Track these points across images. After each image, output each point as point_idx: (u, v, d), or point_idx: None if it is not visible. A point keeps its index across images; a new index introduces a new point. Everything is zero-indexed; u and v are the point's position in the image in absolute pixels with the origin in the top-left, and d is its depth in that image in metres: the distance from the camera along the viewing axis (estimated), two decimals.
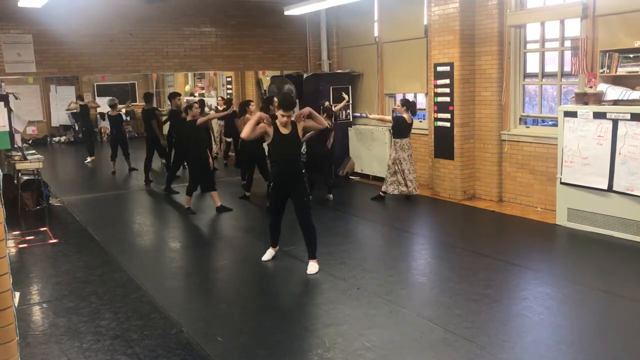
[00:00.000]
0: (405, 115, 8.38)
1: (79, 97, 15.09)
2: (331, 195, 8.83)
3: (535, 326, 4.41)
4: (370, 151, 10.54)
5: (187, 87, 19.09)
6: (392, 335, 4.32)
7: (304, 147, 8.65)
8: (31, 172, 9.09)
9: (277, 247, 6.20)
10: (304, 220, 5.75)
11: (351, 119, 11.32)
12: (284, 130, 5.66)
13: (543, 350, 4.01)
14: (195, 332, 4.45)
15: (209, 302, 5.21)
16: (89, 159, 14.25)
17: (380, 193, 8.78)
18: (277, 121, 5.67)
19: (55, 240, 7.13)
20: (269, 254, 6.14)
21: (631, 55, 6.51)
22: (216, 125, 13.82)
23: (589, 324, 4.47)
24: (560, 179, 7.02)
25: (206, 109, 11.48)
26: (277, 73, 12.54)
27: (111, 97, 13.46)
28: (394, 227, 7.49)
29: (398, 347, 4.12)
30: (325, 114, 8.57)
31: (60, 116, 19.59)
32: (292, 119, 5.69)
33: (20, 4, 8.60)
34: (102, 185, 11.43)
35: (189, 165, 8.97)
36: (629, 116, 6.22)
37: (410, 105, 8.43)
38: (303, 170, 5.83)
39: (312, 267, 5.74)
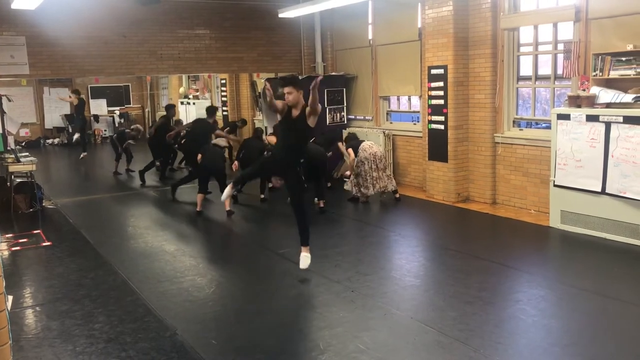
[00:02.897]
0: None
1: (75, 91, 15.05)
2: (322, 202, 8.47)
3: (529, 328, 4.43)
4: None
5: (181, 89, 19.07)
6: (386, 337, 4.32)
7: None
8: (24, 175, 9.05)
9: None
10: (295, 205, 5.80)
11: (345, 121, 11.33)
12: (295, 114, 5.62)
13: (537, 353, 4.03)
14: (190, 335, 4.44)
15: (204, 305, 5.20)
16: (82, 155, 14.27)
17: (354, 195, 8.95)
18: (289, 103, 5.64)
19: (48, 243, 7.11)
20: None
21: (623, 59, 6.55)
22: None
23: (583, 326, 4.49)
24: (554, 181, 7.05)
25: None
26: (272, 75, 12.54)
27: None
28: (388, 229, 7.49)
29: (392, 350, 4.12)
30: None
31: (53, 118, 19.56)
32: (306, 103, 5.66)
33: (14, 6, 8.56)
34: (96, 187, 11.39)
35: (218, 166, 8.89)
36: (621, 119, 6.26)
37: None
38: (301, 160, 5.84)
39: (304, 258, 5.70)
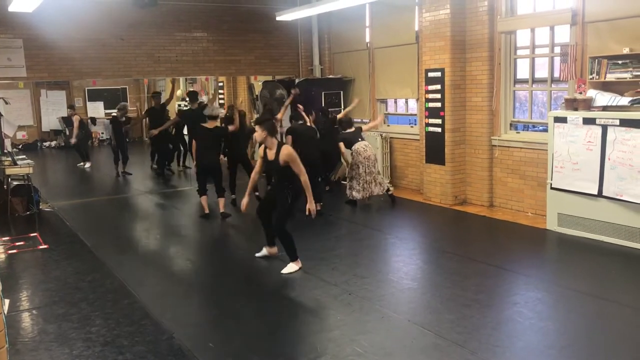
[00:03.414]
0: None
1: (70, 106, 15.10)
2: (318, 204, 8.13)
3: (526, 331, 4.43)
4: None
5: (179, 92, 19.06)
6: (383, 340, 4.32)
7: None
8: (21, 177, 9.03)
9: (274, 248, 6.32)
10: (275, 228, 5.91)
11: None
12: (270, 156, 5.78)
13: (534, 355, 4.03)
14: (187, 338, 4.44)
15: (201, 308, 5.20)
16: (87, 164, 14.15)
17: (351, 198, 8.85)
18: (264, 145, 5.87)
19: (45, 246, 7.09)
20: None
21: (620, 62, 6.57)
22: None
23: (579, 329, 4.50)
24: (551, 184, 7.07)
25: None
26: (269, 78, 12.56)
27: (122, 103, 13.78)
28: (385, 232, 7.49)
29: (389, 353, 4.12)
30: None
31: (50, 121, 19.54)
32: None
33: (11, 9, 8.56)
34: (93, 190, 11.39)
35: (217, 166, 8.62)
36: (617, 122, 6.27)
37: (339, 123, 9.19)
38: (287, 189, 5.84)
39: (289, 267, 5.90)
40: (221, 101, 15.69)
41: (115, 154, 12.56)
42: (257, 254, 6.34)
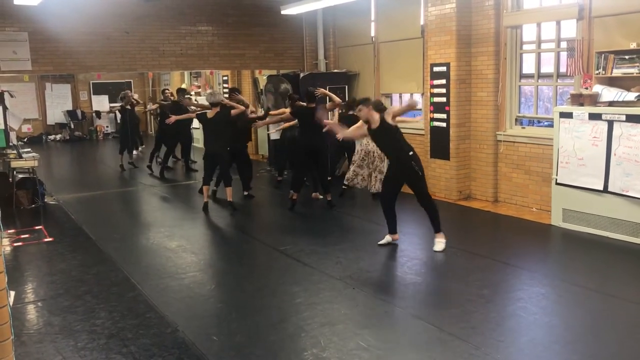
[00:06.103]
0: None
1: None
2: (328, 196, 8.45)
3: (530, 326, 4.43)
4: None
5: (183, 86, 19.07)
6: (387, 334, 4.33)
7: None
8: (26, 171, 9.06)
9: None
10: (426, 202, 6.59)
11: None
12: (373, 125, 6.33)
13: (538, 350, 4.03)
14: (191, 331, 4.45)
15: (205, 302, 5.21)
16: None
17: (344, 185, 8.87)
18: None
19: (50, 239, 7.12)
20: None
21: (626, 57, 6.53)
22: None
23: (584, 324, 4.49)
24: (556, 179, 7.04)
25: None
26: (274, 72, 12.53)
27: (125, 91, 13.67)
28: None
29: (393, 347, 4.12)
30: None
31: (55, 114, 19.58)
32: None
33: (16, 2, 8.57)
34: (98, 184, 11.40)
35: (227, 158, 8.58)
36: (624, 117, 6.24)
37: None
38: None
39: (439, 243, 6.34)
40: (225, 94, 15.65)
41: (122, 145, 12.60)
42: (380, 242, 6.53)
